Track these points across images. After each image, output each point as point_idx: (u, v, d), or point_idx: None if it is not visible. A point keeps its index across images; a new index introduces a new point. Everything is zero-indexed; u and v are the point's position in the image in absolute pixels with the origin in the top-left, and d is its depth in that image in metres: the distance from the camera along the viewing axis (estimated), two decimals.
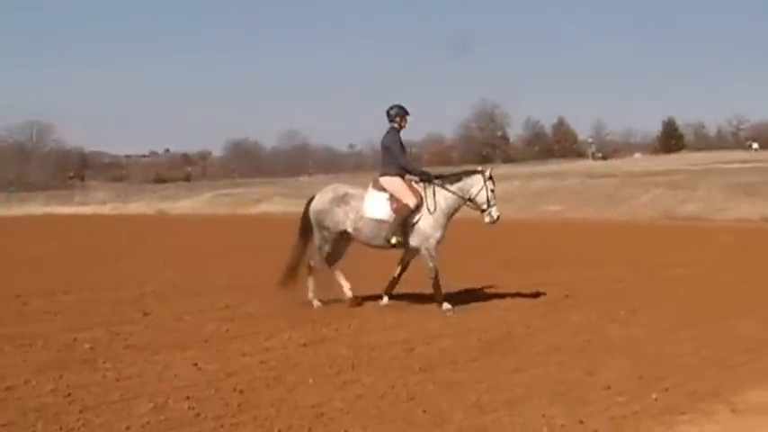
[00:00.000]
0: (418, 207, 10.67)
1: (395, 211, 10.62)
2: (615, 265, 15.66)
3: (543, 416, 6.01)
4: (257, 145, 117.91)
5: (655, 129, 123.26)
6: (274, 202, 49.53)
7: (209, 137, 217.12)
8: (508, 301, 11.33)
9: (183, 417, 5.99)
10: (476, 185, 10.87)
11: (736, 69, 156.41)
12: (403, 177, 10.87)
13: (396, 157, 10.83)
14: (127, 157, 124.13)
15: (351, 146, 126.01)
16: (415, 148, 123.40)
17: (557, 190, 37.63)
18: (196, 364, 7.55)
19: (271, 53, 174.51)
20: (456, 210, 10.94)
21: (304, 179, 71.63)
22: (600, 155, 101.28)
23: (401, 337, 8.83)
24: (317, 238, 11.02)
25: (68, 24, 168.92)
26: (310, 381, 7.00)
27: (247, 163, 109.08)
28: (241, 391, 6.67)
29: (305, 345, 8.51)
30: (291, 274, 11.07)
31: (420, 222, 10.70)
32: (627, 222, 28.32)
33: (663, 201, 31.68)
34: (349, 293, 10.88)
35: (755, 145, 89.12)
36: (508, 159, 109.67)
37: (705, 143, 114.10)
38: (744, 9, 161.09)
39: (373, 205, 10.73)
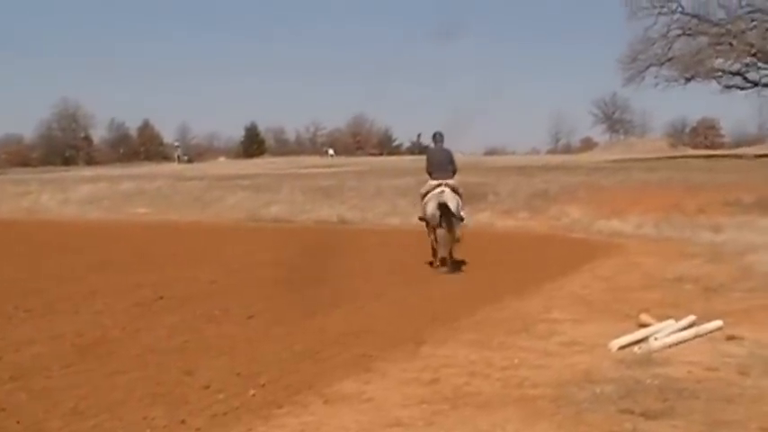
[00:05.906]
0: None
1: (461, 199, 14.94)
2: (208, 265, 15.81)
3: (145, 418, 5.96)
4: None
5: (237, 133, 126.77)
6: None
7: None
8: (100, 303, 11.02)
9: None
10: None
11: (313, 77, 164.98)
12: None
13: (455, 165, 15.00)
14: None
15: None
16: None
17: (145, 192, 37.07)
18: None
19: None
20: None
21: None
22: (186, 158, 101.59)
23: None
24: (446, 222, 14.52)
25: None
26: None
27: None
28: None
29: None
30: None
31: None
32: (215, 224, 28.73)
33: (248, 203, 32.43)
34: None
35: (331, 151, 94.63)
36: (92, 161, 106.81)
37: (285, 148, 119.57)
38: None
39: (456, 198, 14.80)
